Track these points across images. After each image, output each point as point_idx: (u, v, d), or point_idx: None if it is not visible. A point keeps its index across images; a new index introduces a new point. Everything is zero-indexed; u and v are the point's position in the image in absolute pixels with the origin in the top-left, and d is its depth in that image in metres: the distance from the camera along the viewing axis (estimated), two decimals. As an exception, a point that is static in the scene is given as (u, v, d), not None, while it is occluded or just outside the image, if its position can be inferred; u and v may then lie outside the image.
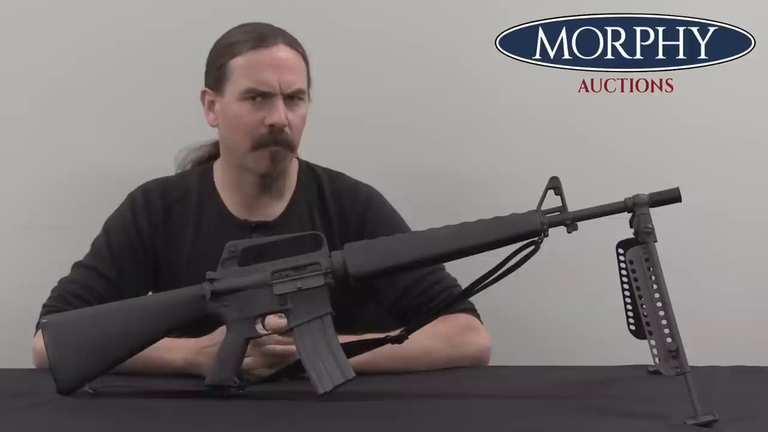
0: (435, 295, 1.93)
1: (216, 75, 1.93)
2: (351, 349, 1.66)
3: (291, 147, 1.93)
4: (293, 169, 2.03)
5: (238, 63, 1.90)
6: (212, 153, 2.07)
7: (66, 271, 1.99)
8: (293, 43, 1.93)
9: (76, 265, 1.99)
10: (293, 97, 1.90)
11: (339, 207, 2.01)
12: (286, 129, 1.89)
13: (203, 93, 1.97)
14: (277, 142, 1.90)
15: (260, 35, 1.91)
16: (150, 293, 2.00)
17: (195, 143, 2.10)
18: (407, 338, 1.73)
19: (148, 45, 2.36)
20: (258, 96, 1.89)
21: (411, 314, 1.89)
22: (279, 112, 1.88)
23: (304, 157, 2.06)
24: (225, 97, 1.92)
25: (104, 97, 2.38)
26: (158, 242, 2.00)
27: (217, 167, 2.03)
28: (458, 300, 1.80)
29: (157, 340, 1.68)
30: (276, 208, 2.00)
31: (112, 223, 2.02)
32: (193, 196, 2.02)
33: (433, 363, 1.86)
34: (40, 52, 2.38)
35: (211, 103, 1.96)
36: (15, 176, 2.39)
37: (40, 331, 1.71)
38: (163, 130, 2.34)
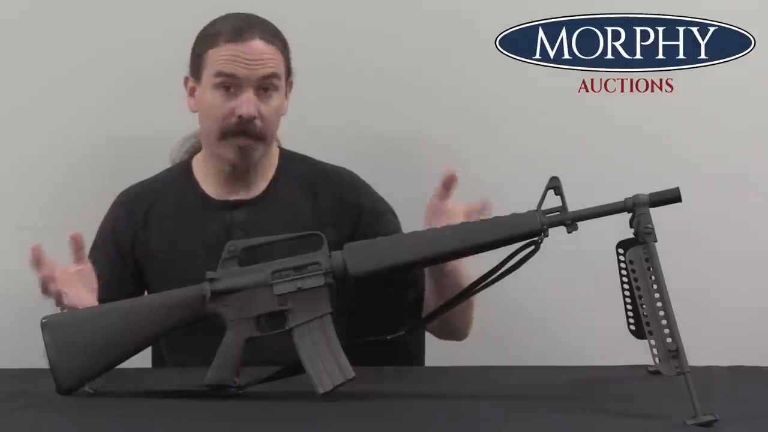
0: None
1: (196, 63, 1.97)
2: (351, 349, 1.66)
3: (261, 138, 1.94)
4: (273, 151, 2.05)
5: (213, 54, 1.93)
6: None
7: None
8: (270, 37, 1.94)
9: None
10: (266, 89, 1.93)
11: (326, 183, 2.03)
12: (256, 120, 1.92)
13: (186, 79, 2.00)
14: (245, 132, 1.93)
15: (237, 28, 1.93)
16: (146, 292, 2.01)
17: (189, 133, 2.11)
18: (407, 337, 1.73)
19: (145, 44, 2.36)
20: (230, 86, 1.91)
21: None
22: (248, 103, 1.90)
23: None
24: (202, 84, 1.95)
25: (102, 96, 2.38)
26: (141, 239, 2.02)
27: (198, 158, 2.06)
28: (456, 300, 1.79)
29: (157, 339, 1.69)
30: (256, 188, 2.02)
31: (95, 240, 2.04)
32: (173, 189, 2.05)
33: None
34: (39, 51, 2.38)
35: (192, 89, 1.99)
36: (14, 176, 2.39)
37: None
38: (161, 129, 2.33)
